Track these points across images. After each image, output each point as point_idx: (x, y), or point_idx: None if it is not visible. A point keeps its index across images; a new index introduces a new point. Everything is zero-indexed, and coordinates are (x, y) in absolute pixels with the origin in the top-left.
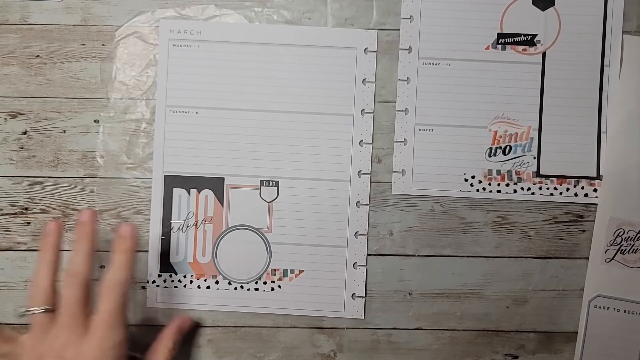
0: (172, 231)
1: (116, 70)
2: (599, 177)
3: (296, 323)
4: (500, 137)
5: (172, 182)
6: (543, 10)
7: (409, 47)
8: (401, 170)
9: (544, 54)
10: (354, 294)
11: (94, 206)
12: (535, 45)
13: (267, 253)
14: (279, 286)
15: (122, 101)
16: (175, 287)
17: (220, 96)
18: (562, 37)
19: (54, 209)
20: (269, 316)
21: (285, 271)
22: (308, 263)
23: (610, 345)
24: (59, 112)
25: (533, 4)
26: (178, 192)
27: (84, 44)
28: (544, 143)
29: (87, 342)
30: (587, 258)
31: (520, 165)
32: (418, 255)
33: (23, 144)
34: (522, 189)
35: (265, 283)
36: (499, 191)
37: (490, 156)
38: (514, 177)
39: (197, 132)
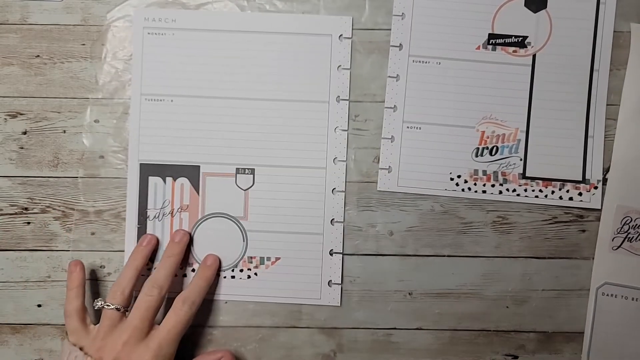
0: (148, 219)
1: (106, 52)
2: (584, 181)
3: (296, 323)
4: (488, 137)
5: (147, 170)
6: (535, 13)
7: (400, 44)
8: (387, 167)
9: (534, 56)
10: (331, 281)
11: (94, 206)
12: (526, 47)
13: (244, 241)
14: (256, 274)
15: (111, 84)
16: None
17: (195, 84)
18: (553, 40)
19: (54, 209)
20: (248, 304)
21: (262, 259)
22: (284, 250)
23: (619, 333)
24: (59, 112)
25: (525, 5)
26: (154, 181)
27: (84, 44)
28: (531, 145)
29: (145, 345)
30: (588, 258)
31: (506, 166)
32: (418, 255)
33: (23, 144)
34: (507, 190)
35: (241, 271)
36: (484, 191)
37: (476, 156)
38: (500, 178)
39: (173, 120)
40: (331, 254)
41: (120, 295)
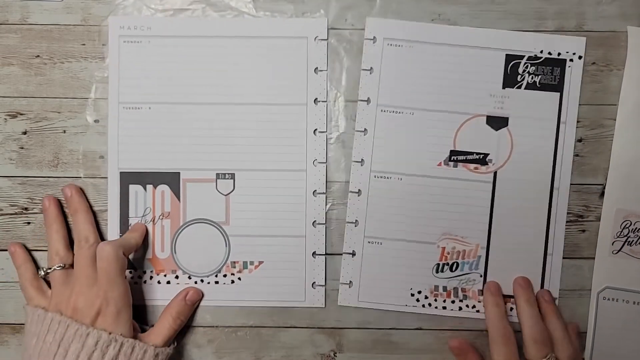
0: (130, 227)
1: (107, 52)
2: None
3: (296, 323)
4: (448, 253)
5: (127, 178)
6: (496, 131)
7: (362, 159)
8: (348, 282)
9: (495, 173)
10: (314, 282)
11: (94, 206)
12: (487, 164)
13: (226, 246)
14: (239, 278)
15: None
16: (136, 283)
17: (172, 90)
18: (514, 158)
19: None
20: (232, 309)
21: (245, 263)
22: (267, 254)
23: (621, 337)
24: (59, 112)
25: (487, 123)
26: (134, 189)
27: (84, 44)
28: (491, 262)
29: (94, 291)
30: (588, 258)
31: (466, 282)
32: None
33: (23, 144)
34: (467, 306)
35: (225, 276)
36: (444, 307)
37: (437, 272)
38: (460, 294)
39: (151, 127)
40: (314, 256)
41: (57, 257)
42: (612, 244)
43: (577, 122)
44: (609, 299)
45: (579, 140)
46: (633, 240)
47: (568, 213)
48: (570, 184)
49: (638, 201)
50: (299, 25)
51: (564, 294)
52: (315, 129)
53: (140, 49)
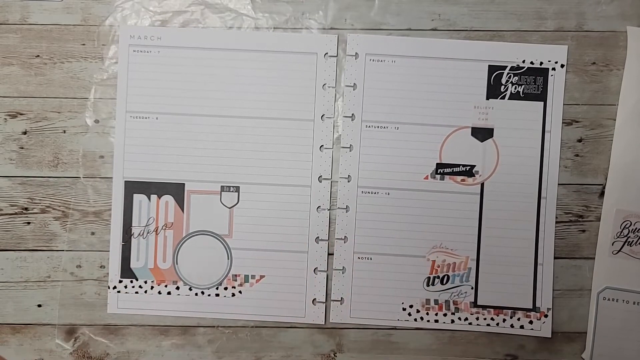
0: (132, 237)
1: (106, 52)
2: (535, 309)
3: (296, 323)
4: (439, 266)
5: (132, 187)
6: (482, 142)
7: (348, 175)
8: (339, 299)
9: (482, 185)
10: (315, 299)
11: (94, 206)
12: (474, 175)
13: (228, 258)
14: (240, 292)
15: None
16: (136, 292)
17: (180, 102)
18: (501, 168)
19: (54, 209)
20: (230, 321)
21: (246, 276)
22: (269, 268)
23: (621, 337)
24: (59, 112)
25: (472, 135)
26: (138, 198)
27: (84, 44)
28: (482, 273)
29: None
30: (588, 258)
31: (458, 295)
32: None
33: (23, 144)
34: (459, 319)
35: (226, 289)
36: (436, 321)
37: (428, 285)
38: (452, 307)
39: (158, 137)
40: (315, 272)
41: None
42: (612, 244)
43: (577, 122)
44: (609, 299)
45: (579, 140)
46: (633, 241)
47: (567, 213)
48: (570, 184)
49: (638, 201)
50: (309, 41)
51: (564, 294)
52: (321, 145)
53: (149, 59)
